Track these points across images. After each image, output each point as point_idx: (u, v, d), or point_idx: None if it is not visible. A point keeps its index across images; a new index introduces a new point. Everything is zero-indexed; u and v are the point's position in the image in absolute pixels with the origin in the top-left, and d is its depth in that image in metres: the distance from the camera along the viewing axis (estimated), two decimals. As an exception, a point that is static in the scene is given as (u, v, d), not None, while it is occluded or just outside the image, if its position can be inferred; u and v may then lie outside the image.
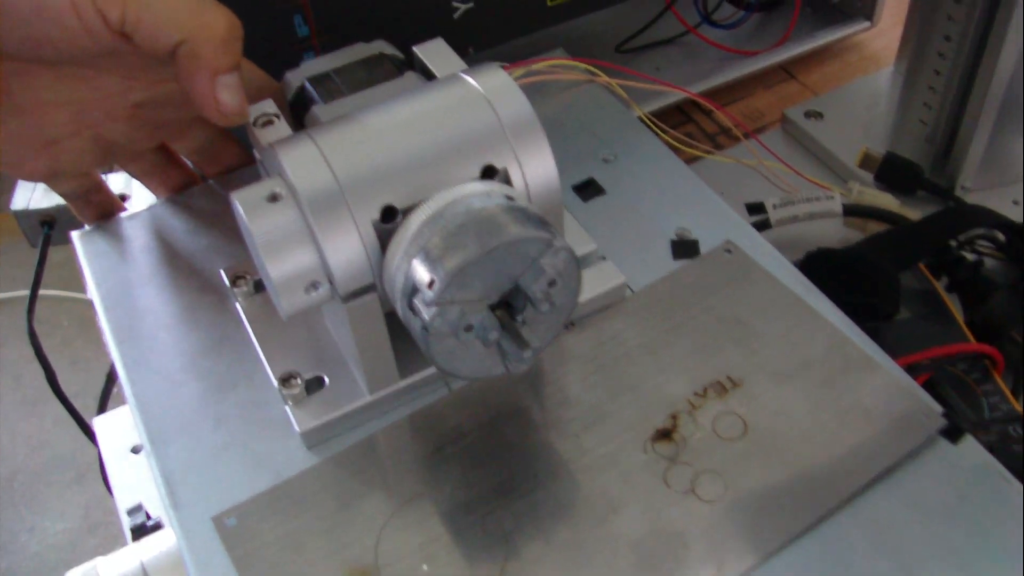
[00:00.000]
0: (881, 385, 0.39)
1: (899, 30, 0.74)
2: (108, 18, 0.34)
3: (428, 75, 0.39)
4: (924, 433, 0.37)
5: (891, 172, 0.62)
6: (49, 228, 0.62)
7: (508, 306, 0.33)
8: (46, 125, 0.40)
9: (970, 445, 0.37)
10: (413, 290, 0.32)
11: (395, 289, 0.33)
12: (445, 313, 0.31)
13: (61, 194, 0.46)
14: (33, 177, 0.43)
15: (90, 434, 0.60)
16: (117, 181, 0.65)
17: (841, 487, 0.36)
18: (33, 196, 0.61)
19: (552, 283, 0.32)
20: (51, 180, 0.44)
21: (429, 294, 0.31)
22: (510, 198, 0.33)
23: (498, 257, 0.31)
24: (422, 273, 0.31)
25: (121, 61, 0.39)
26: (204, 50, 0.35)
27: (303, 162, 0.33)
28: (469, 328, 0.32)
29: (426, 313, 0.31)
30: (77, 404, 0.67)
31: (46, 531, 1.31)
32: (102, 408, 0.63)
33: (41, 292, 0.60)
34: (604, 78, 0.53)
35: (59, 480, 1.36)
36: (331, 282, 0.34)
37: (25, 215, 0.61)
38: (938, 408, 0.38)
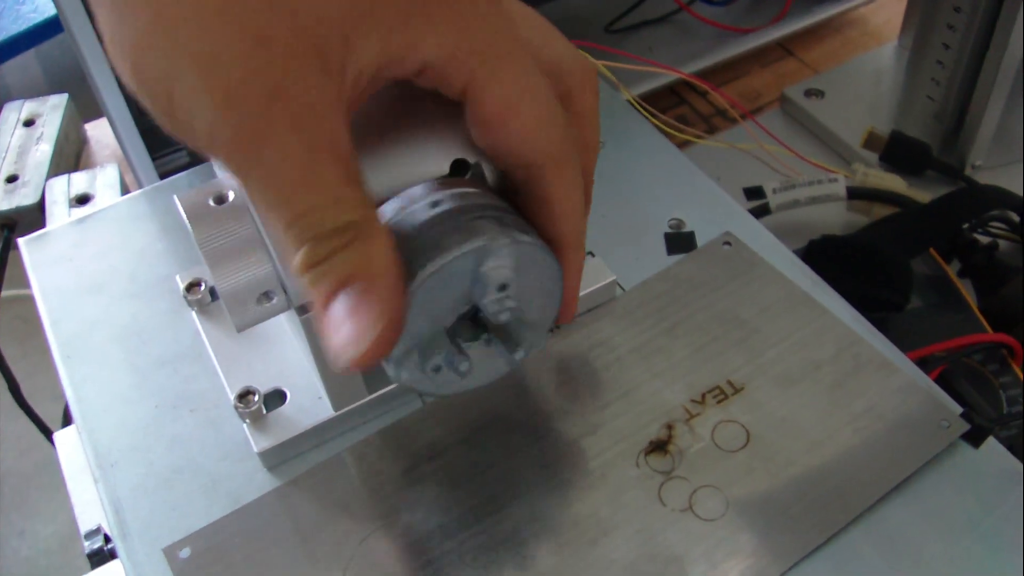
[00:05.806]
0: (897, 388, 0.37)
1: (902, 3, 0.72)
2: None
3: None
4: (945, 440, 0.35)
5: (898, 152, 0.61)
6: (9, 231, 0.62)
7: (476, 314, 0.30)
8: None
9: (992, 448, 0.35)
10: None
11: None
12: (405, 367, 0.28)
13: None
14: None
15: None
16: (79, 180, 0.62)
17: (854, 501, 0.34)
18: (-9, 199, 0.61)
19: (503, 287, 0.28)
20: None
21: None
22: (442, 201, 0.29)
23: (429, 292, 0.27)
24: None
25: None
26: None
27: None
28: (438, 369, 0.29)
29: (392, 373, 0.29)
30: (61, 406, 0.65)
31: (37, 535, 1.30)
32: (66, 421, 0.61)
33: (26, 290, 0.58)
34: (590, 60, 0.50)
35: (49, 483, 1.34)
36: (285, 292, 0.31)
37: (-16, 218, 0.60)
38: (958, 409, 0.36)
